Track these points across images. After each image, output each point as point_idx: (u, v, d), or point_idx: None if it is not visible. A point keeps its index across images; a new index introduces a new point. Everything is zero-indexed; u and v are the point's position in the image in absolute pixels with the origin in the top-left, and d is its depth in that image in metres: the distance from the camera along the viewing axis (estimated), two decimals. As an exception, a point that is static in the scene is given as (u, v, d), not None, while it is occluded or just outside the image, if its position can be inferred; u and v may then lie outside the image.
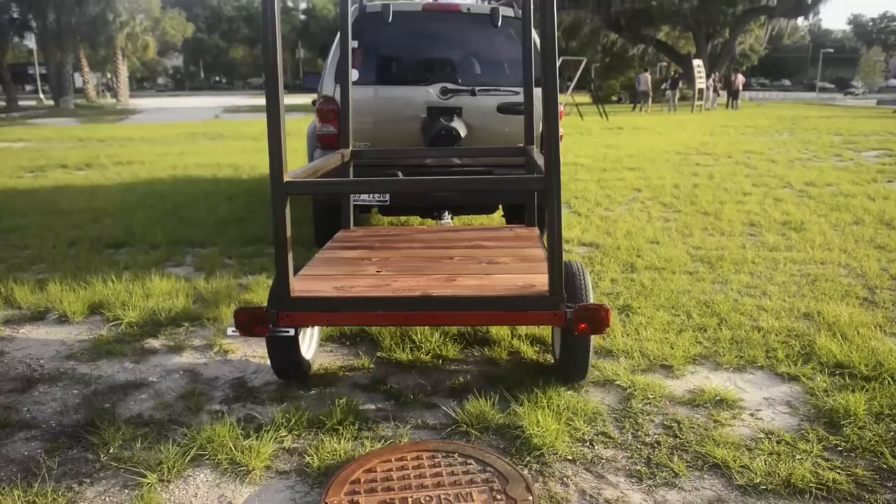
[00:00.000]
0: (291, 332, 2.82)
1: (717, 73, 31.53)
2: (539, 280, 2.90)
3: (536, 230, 4.21)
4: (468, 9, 5.10)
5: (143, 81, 77.95)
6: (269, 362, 3.00)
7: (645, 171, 9.28)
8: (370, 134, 4.78)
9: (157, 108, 35.82)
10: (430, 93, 4.83)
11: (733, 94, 29.85)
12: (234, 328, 2.80)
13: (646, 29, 35.98)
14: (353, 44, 4.57)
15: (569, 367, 2.97)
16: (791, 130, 16.46)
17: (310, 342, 3.20)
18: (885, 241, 5.35)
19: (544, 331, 3.45)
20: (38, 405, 2.81)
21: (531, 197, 4.39)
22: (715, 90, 29.64)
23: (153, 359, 3.28)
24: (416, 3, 5.10)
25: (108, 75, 51.42)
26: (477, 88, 4.86)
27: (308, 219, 5.45)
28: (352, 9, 4.77)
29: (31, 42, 42.97)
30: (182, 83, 79.15)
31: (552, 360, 3.18)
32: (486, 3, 5.51)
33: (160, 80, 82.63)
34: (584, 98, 27.17)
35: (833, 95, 54.37)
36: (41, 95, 43.77)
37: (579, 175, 8.98)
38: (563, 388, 2.88)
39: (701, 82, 27.28)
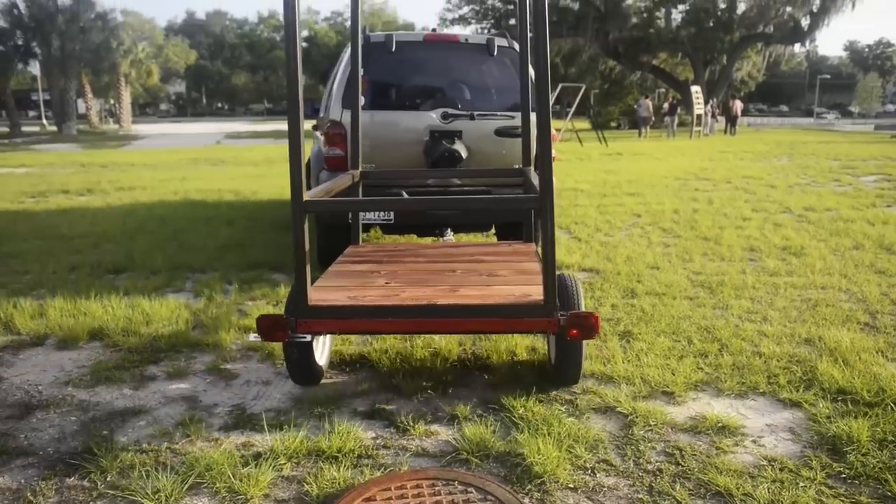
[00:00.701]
0: (308, 338, 3.03)
1: (715, 99, 31.79)
2: (535, 291, 3.12)
3: (533, 246, 4.43)
4: (466, 39, 5.58)
5: (146, 107, 78.51)
6: (267, 389, 3.00)
7: (644, 197, 9.31)
8: (376, 156, 5.01)
9: (160, 133, 36.07)
10: (433, 117, 5.12)
11: (732, 120, 30.07)
12: (256, 334, 3.03)
13: (644, 56, 36.40)
14: (361, 71, 4.79)
15: (563, 372, 3.18)
16: (789, 156, 16.55)
17: (322, 350, 3.33)
18: (886, 265, 5.35)
19: (544, 357, 3.44)
20: (36, 432, 2.79)
21: (528, 215, 4.61)
22: (713, 116, 29.86)
23: (152, 385, 3.26)
24: (417, 34, 5.55)
25: (112, 101, 51.82)
26: (476, 113, 5.16)
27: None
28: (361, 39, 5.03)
29: (35, 68, 43.40)
30: (184, 109, 79.76)
31: (551, 378, 3.24)
32: (483, 33, 5.73)
33: (162, 106, 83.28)
34: (584, 124, 27.35)
35: (831, 121, 54.77)
36: (44, 121, 44.12)
37: (579, 200, 9.02)
38: (564, 415, 2.87)
39: (699, 108, 27.49)
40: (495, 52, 5.34)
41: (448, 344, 3.62)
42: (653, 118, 29.11)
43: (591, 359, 3.44)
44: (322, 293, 3.19)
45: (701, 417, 2.85)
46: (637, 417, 2.84)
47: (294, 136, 2.79)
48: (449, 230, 5.34)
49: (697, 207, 8.32)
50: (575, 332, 2.86)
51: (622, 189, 10.18)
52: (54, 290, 4.81)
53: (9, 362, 3.57)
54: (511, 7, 37.93)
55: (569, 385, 3.17)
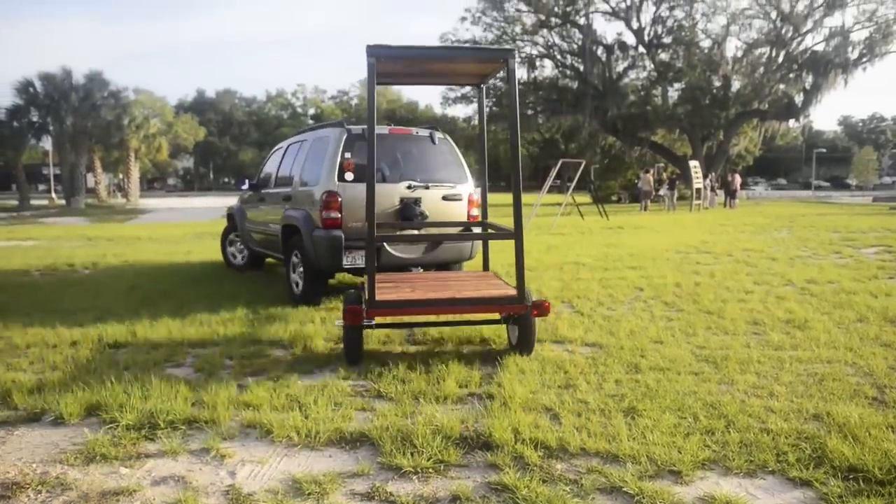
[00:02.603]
0: (374, 322, 4.80)
1: (713, 173, 32.29)
2: (509, 291, 5.04)
3: (491, 272, 6.21)
4: (417, 132, 7.54)
5: (154, 182, 79.95)
6: (263, 468, 2.94)
7: (646, 270, 9.33)
8: (361, 216, 6.19)
9: (166, 207, 36.59)
10: (402, 188, 6.92)
11: (731, 194, 30.46)
12: (341, 321, 4.83)
13: (642, 132, 37.25)
14: (346, 155, 6.78)
15: (524, 343, 4.93)
16: (789, 228, 16.67)
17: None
18: (891, 338, 5.31)
19: (548, 435, 3.38)
20: (26, 513, 2.72)
21: (486, 248, 6.56)
22: (713, 189, 30.27)
23: (147, 463, 3.20)
24: (384, 128, 7.33)
25: (121, 176, 52.82)
26: (430, 184, 7.05)
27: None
28: (339, 132, 6.98)
29: (47, 143, 44.43)
30: (191, 184, 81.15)
31: (513, 351, 5.07)
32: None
33: (170, 181, 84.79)
34: (585, 198, 27.71)
35: (829, 193, 55.45)
36: (53, 195, 44.85)
37: (581, 274, 9.03)
38: (569, 495, 2.80)
39: (698, 182, 27.91)
40: (437, 141, 7.40)
41: (450, 421, 3.56)
42: (653, 192, 29.52)
43: (596, 436, 3.38)
44: (380, 295, 4.78)
45: (710, 498, 2.78)
46: (644, 498, 2.77)
47: (370, 190, 4.71)
48: (420, 269, 7.18)
49: (699, 281, 8.32)
50: (535, 312, 4.84)
51: (624, 262, 10.22)
52: (54, 365, 4.78)
53: (3, 439, 3.51)
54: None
55: (527, 353, 4.87)
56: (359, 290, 5.23)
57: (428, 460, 3.15)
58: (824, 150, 64.60)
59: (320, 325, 6.01)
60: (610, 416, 3.69)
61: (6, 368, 4.72)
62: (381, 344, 5.32)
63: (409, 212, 6.74)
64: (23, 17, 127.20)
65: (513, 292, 4.89)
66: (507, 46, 37.78)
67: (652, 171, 32.32)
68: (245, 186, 9.31)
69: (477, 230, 7.03)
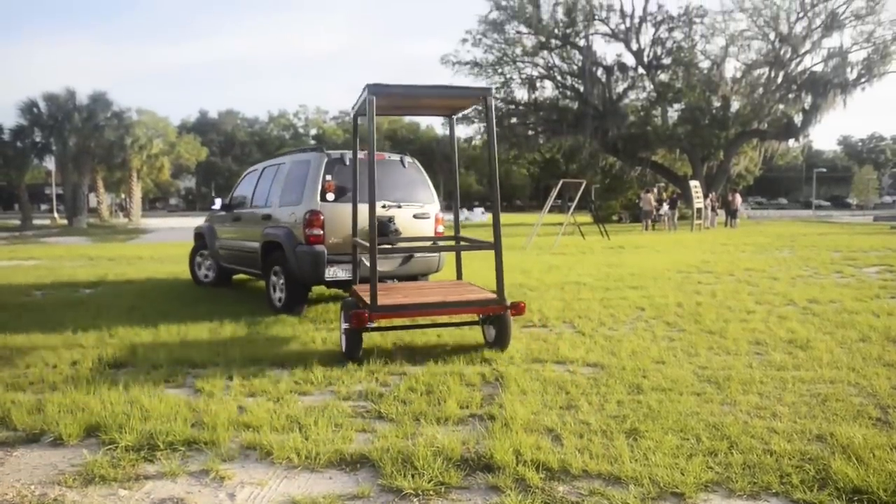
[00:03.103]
0: (374, 324, 5.39)
1: (714, 193, 32.37)
2: (489, 295, 5.80)
3: (465, 281, 6.84)
4: (389, 157, 8.22)
5: (156, 202, 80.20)
6: (262, 490, 2.92)
7: (648, 290, 9.33)
8: (342, 233, 7.41)
9: (168, 227, 36.66)
10: (378, 207, 6.94)
11: (732, 213, 30.51)
12: (346, 323, 5.35)
13: (642, 152, 37.42)
14: (327, 177, 7.46)
15: (501, 340, 5.69)
16: (790, 248, 16.67)
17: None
18: (894, 358, 5.29)
19: (550, 456, 3.35)
20: (24, 536, 2.69)
21: (459, 260, 7.00)
22: (713, 209, 30.33)
23: (146, 485, 3.17)
24: (360, 152, 7.55)
25: (123, 195, 53.00)
26: (402, 204, 7.75)
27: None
28: (320, 156, 7.65)
29: (50, 163, 44.62)
30: (193, 204, 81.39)
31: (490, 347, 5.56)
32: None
33: (172, 201, 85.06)
34: (586, 218, 27.76)
35: (830, 212, 55.54)
36: (55, 215, 44.95)
37: (582, 294, 9.02)
38: (570, 517, 2.77)
39: (699, 202, 27.97)
40: (406, 165, 8.09)
41: (451, 442, 3.54)
42: (654, 212, 29.59)
43: (598, 458, 3.36)
44: (380, 300, 5.37)
45: (713, 520, 2.75)
46: (646, 520, 2.74)
47: (371, 209, 5.42)
48: (395, 280, 7.75)
49: (701, 300, 8.31)
50: (513, 311, 5.63)
51: (625, 282, 10.21)
52: (54, 385, 4.77)
53: (2, 459, 3.49)
54: (513, 107, 39.30)
55: (503, 348, 5.62)
56: (353, 298, 5.84)
57: (429, 482, 3.13)
58: (824, 170, 64.84)
59: (321, 346, 6.00)
60: (612, 437, 3.66)
61: (6, 388, 4.70)
62: (382, 364, 5.30)
63: (384, 228, 7.27)
64: (29, 38, 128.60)
65: (493, 296, 5.69)
66: (507, 66, 38.25)
67: (653, 191, 32.43)
68: (217, 207, 9.91)
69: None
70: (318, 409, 4.16)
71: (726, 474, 3.19)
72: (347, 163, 7.52)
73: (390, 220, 7.43)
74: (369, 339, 5.93)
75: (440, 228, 8.10)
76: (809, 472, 3.18)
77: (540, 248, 17.88)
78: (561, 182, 21.75)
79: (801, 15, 34.91)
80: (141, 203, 48.51)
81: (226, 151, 78.48)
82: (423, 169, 8.31)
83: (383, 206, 7.37)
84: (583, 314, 7.44)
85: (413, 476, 3.18)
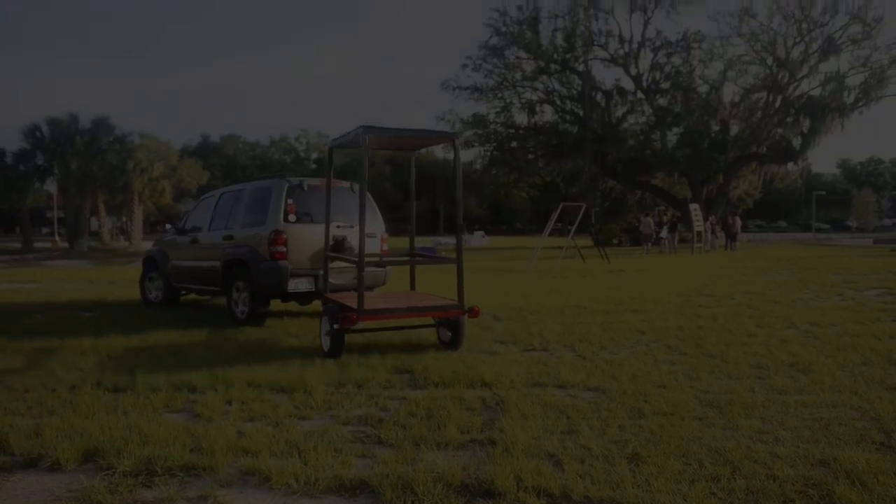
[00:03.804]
0: (359, 325, 6.32)
1: (714, 216, 32.43)
2: (449, 301, 6.85)
3: (418, 291, 7.97)
4: (341, 184, 9.05)
5: (157, 225, 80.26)
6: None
7: (648, 313, 9.31)
8: (304, 250, 8.45)
9: (169, 250, 36.54)
10: (334, 227, 8.30)
11: (732, 236, 30.54)
12: (337, 324, 6.26)
13: (642, 176, 37.57)
14: (289, 201, 8.42)
15: (455, 340, 6.81)
16: (791, 270, 16.66)
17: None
18: (896, 383, 5.26)
19: (551, 482, 3.33)
20: (20, 563, 2.66)
21: (413, 273, 8.17)
22: (713, 232, 30.37)
23: (144, 511, 3.14)
24: (317, 179, 9.07)
25: (124, 218, 53.06)
26: (354, 224, 8.40)
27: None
28: (282, 182, 8.63)
29: (51, 187, 44.78)
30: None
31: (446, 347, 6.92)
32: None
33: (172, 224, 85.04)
34: (586, 241, 27.79)
35: (829, 235, 55.61)
36: (56, 238, 45.01)
37: (583, 318, 9.01)
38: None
39: (699, 225, 28.01)
40: (355, 191, 8.94)
41: (451, 468, 3.51)
42: (654, 235, 29.64)
43: (600, 483, 3.33)
44: (366, 305, 6.37)
45: (716, 547, 2.72)
46: (649, 547, 2.71)
47: (361, 232, 6.43)
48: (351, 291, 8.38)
49: (702, 324, 8.29)
50: (470, 315, 6.76)
51: (625, 306, 10.19)
52: (52, 409, 4.74)
53: (-2, 486, 3.46)
54: (512, 131, 39.55)
55: (457, 349, 6.75)
56: (335, 304, 6.75)
57: (429, 508, 3.10)
58: (823, 193, 65.03)
59: (321, 369, 5.97)
60: (613, 462, 3.64)
61: (4, 412, 4.68)
62: (382, 388, 5.28)
63: (339, 246, 8.27)
64: (33, 63, 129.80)
65: (453, 301, 6.79)
66: (507, 91, 38.56)
67: (652, 215, 32.50)
68: (170, 230, 10.82)
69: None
70: (317, 434, 4.14)
71: (729, 500, 3.16)
72: (305, 188, 8.67)
73: (344, 238, 8.39)
74: (368, 363, 5.88)
75: (385, 247, 9.25)
76: (813, 498, 3.15)
77: (540, 271, 17.88)
78: (561, 206, 21.81)
79: (798, 40, 35.27)
80: (142, 226, 48.54)
81: (227, 175, 78.60)
82: (369, 194, 8.78)
83: (338, 227, 8.42)
84: (583, 338, 7.42)
85: (413, 502, 3.16)
